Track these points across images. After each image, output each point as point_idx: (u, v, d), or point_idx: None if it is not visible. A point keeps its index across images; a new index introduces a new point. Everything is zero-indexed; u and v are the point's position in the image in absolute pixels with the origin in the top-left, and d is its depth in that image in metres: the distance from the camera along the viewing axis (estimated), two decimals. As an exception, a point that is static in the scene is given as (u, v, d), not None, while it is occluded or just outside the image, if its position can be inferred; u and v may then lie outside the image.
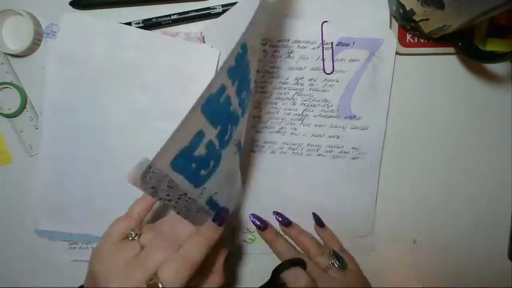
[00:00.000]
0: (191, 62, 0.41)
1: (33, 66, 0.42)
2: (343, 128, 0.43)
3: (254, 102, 0.43)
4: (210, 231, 0.32)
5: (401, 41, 0.43)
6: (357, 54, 0.42)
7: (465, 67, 0.44)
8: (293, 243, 0.43)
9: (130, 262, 0.30)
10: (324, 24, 0.41)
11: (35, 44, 0.42)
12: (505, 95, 0.44)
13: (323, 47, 0.42)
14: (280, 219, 0.43)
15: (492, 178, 0.45)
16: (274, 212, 0.44)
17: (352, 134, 0.43)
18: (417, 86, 0.44)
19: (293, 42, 0.42)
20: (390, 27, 0.42)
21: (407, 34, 0.43)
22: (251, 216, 0.43)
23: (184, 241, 0.31)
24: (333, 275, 0.40)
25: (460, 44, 0.41)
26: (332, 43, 0.42)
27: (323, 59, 0.42)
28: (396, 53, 0.43)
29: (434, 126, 0.44)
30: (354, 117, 0.43)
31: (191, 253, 0.30)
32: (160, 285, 0.28)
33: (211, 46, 0.41)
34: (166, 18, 0.41)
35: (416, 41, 0.43)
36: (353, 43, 0.42)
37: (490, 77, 0.44)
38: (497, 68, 0.44)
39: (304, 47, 0.42)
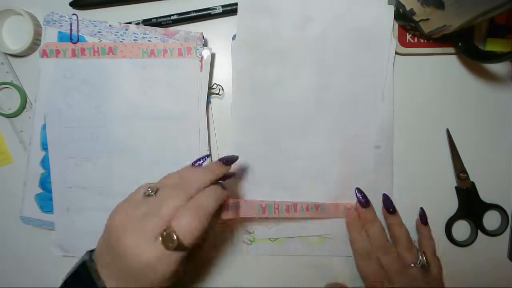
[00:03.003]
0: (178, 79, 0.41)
1: (33, 66, 0.42)
2: None
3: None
4: (217, 167, 0.34)
5: (401, 41, 0.43)
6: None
7: (465, 67, 0.44)
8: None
9: (144, 213, 0.30)
10: None
11: (35, 44, 0.42)
12: (505, 95, 0.44)
13: None
14: (384, 203, 0.42)
15: (492, 178, 0.45)
16: (383, 195, 0.42)
17: None
18: (417, 86, 0.44)
19: None
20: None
21: (407, 34, 0.43)
22: (356, 190, 0.42)
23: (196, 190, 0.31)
24: (414, 274, 0.39)
25: (460, 44, 0.41)
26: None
27: None
28: (396, 53, 0.43)
29: (434, 126, 0.44)
30: None
31: (204, 201, 0.30)
32: (175, 235, 0.28)
33: (195, 56, 0.41)
34: (166, 19, 0.41)
35: (416, 41, 0.43)
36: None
37: (490, 77, 0.44)
38: (497, 68, 0.44)
39: None
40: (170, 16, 0.41)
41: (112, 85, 0.41)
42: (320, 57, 0.42)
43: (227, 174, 0.36)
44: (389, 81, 0.43)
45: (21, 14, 0.41)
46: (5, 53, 0.42)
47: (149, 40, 0.41)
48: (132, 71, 0.41)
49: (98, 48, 0.41)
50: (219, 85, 0.43)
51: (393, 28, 0.42)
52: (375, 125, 0.43)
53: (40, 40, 0.42)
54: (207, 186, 0.32)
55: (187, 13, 0.42)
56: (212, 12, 0.42)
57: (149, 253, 0.28)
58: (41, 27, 0.42)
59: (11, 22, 0.42)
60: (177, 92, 0.41)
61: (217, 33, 0.42)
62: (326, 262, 0.45)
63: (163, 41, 0.41)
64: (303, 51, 0.42)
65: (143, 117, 0.41)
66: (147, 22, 0.41)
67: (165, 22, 0.42)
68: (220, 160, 0.35)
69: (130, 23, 0.41)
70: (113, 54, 0.41)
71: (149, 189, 0.31)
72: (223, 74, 0.43)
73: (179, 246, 0.28)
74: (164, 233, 0.28)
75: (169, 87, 0.41)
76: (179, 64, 0.41)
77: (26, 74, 0.43)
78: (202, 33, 0.41)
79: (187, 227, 0.28)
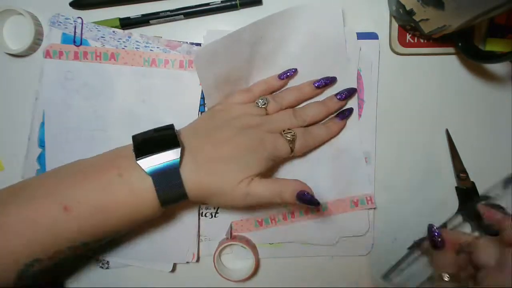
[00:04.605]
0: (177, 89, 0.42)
1: (33, 66, 0.42)
2: None
3: None
4: (335, 126, 0.41)
5: (401, 41, 0.43)
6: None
7: (465, 67, 0.44)
8: None
9: (259, 117, 0.38)
10: None
11: (36, 44, 0.42)
12: (505, 95, 0.44)
13: None
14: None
15: (492, 178, 0.45)
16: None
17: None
18: (416, 86, 0.44)
19: None
20: (390, 27, 0.43)
21: (407, 34, 0.43)
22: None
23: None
24: None
25: (460, 44, 0.41)
26: None
27: None
28: (396, 53, 0.43)
29: (433, 126, 0.44)
30: None
31: (316, 133, 0.39)
32: (292, 135, 0.37)
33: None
34: (165, 13, 0.41)
35: (416, 41, 0.43)
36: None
37: (490, 77, 0.44)
38: (497, 68, 0.44)
39: None
40: (169, 10, 0.41)
41: (111, 90, 0.41)
42: (285, 67, 0.41)
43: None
44: (368, 82, 0.43)
45: (22, 14, 0.41)
46: (6, 53, 0.42)
47: (151, 50, 0.41)
48: (132, 79, 0.41)
49: (100, 52, 0.41)
50: None
51: (391, 28, 0.42)
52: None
53: (41, 40, 0.42)
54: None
55: (186, 8, 0.42)
56: (211, 6, 0.42)
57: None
58: (41, 27, 0.42)
59: (12, 22, 0.43)
60: (175, 103, 0.42)
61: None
62: (326, 262, 0.45)
63: (165, 52, 0.41)
64: (265, 69, 0.41)
65: (140, 125, 0.41)
66: (146, 17, 0.42)
67: (164, 16, 0.41)
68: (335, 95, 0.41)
69: (129, 17, 0.42)
70: (114, 60, 0.41)
71: (260, 101, 0.39)
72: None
73: (293, 141, 0.37)
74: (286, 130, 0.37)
75: (167, 98, 0.42)
76: (179, 75, 0.41)
77: (27, 74, 0.43)
78: (187, 42, 0.41)
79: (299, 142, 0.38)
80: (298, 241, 0.44)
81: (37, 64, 0.42)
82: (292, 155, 0.38)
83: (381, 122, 0.44)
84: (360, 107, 0.43)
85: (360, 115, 0.43)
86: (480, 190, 0.45)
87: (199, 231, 0.43)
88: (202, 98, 0.42)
